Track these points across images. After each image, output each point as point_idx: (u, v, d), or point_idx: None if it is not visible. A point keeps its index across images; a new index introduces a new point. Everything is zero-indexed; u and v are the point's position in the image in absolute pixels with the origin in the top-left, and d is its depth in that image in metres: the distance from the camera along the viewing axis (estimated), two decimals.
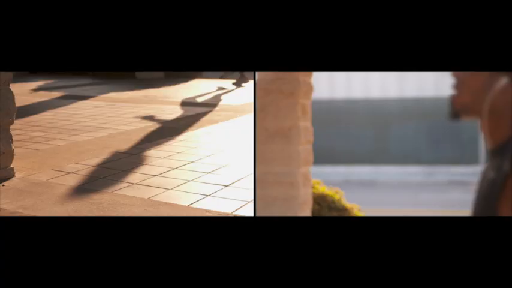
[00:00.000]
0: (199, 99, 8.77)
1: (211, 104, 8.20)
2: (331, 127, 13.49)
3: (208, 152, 4.87)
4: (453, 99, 1.30)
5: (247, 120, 6.48)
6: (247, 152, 4.76)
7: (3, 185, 3.81)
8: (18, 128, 5.75)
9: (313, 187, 4.67)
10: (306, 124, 4.21)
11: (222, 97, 9.08)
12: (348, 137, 13.57)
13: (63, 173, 4.15)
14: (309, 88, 4.29)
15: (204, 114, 7.22)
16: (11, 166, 4.03)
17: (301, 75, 4.13)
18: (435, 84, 13.27)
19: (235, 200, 3.49)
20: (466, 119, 1.32)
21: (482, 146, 12.95)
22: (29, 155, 4.77)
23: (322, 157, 11.30)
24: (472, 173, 12.01)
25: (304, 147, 4.17)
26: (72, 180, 3.95)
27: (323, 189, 5.00)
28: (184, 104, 8.25)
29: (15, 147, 4.14)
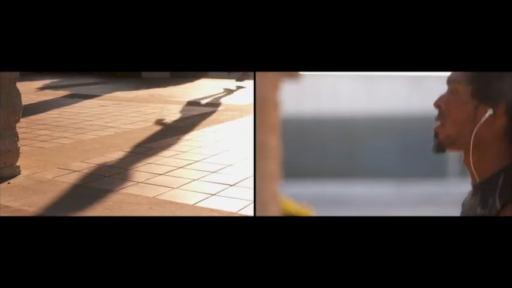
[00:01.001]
0: (205, 99, 8.78)
1: (216, 104, 8.21)
2: (301, 143, 13.04)
3: (213, 152, 4.89)
4: (437, 131, 1.24)
5: (252, 120, 6.48)
6: (252, 152, 4.77)
7: (8, 183, 3.83)
8: (24, 126, 5.77)
9: (282, 204, 4.65)
10: (274, 140, 4.17)
11: (228, 96, 9.09)
12: (318, 153, 13.09)
13: (68, 171, 4.17)
14: (277, 103, 4.25)
15: (210, 113, 7.23)
16: (17, 164, 4.06)
17: (268, 90, 4.08)
18: (406, 101, 12.87)
19: (240, 199, 3.51)
20: (451, 151, 1.25)
21: (451, 161, 12.63)
22: (35, 153, 4.79)
23: (292, 173, 10.98)
24: (445, 187, 11.94)
25: (273, 163, 4.13)
26: (78, 179, 3.97)
27: (292, 206, 4.96)
28: (190, 103, 8.26)
29: (21, 145, 4.16)
